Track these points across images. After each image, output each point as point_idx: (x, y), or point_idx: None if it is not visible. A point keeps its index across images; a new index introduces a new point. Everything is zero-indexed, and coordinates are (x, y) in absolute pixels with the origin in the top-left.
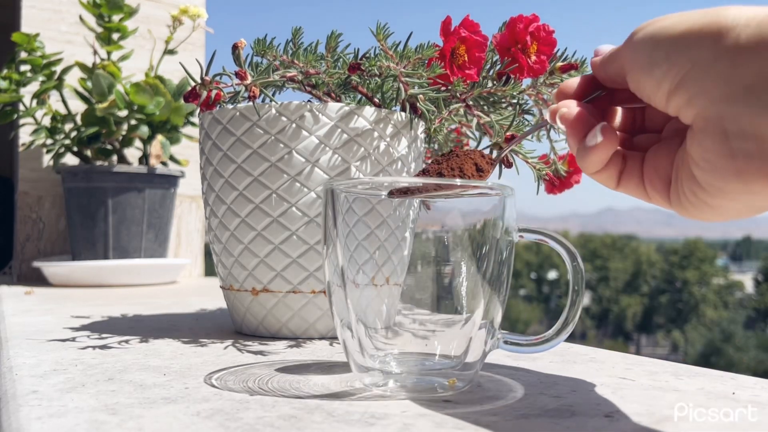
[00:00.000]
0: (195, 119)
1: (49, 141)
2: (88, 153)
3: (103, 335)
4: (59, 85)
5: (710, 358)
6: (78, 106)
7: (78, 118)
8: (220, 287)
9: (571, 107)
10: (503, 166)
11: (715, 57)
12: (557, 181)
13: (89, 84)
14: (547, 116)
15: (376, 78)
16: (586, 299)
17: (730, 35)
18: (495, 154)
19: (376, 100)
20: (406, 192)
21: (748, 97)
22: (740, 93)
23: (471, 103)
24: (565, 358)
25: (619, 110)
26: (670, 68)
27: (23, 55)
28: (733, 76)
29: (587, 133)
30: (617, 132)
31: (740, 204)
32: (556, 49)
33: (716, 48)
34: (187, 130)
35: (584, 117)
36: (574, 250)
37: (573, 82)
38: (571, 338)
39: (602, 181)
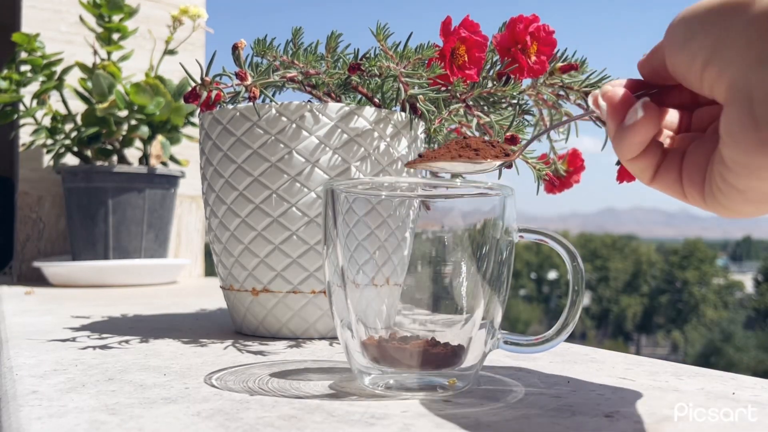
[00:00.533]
0: (195, 119)
1: (50, 141)
2: (89, 153)
3: (103, 335)
4: (59, 85)
5: (710, 358)
6: (78, 106)
7: (78, 118)
8: (220, 287)
9: (616, 86)
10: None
11: (744, 25)
12: (557, 181)
13: (89, 84)
14: (590, 102)
15: (376, 78)
16: (586, 299)
17: (758, 3)
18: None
19: (376, 100)
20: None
21: None
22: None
23: (471, 103)
24: (565, 358)
25: (671, 111)
26: (705, 38)
27: (23, 55)
28: (761, 41)
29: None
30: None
31: None
32: (556, 50)
33: (744, 16)
34: (187, 130)
35: (629, 97)
36: (574, 250)
37: (619, 83)
38: (571, 338)
39: (638, 172)
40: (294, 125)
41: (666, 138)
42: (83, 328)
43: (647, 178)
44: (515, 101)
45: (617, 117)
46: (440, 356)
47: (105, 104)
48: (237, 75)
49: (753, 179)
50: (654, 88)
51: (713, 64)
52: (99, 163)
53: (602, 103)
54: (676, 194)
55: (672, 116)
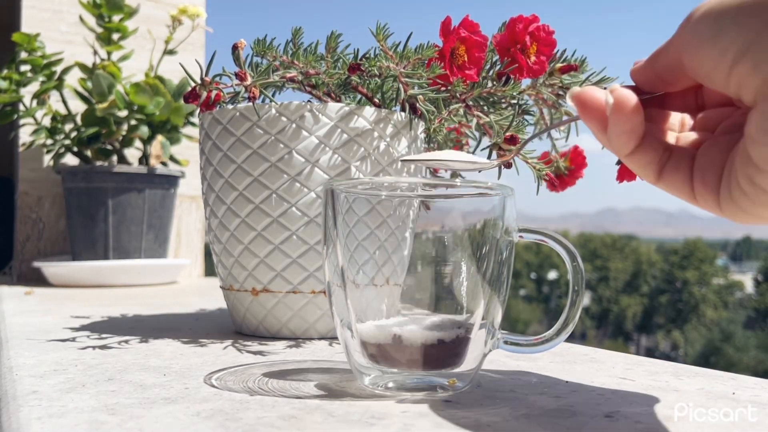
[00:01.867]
0: (195, 119)
1: (49, 141)
2: (88, 153)
3: (103, 335)
4: (59, 85)
5: (710, 358)
6: (78, 106)
7: (78, 119)
8: (220, 287)
9: (589, 89)
10: (503, 166)
11: None
12: (557, 181)
13: (89, 84)
14: (569, 101)
15: (376, 78)
16: (586, 299)
17: None
18: (494, 155)
19: (376, 100)
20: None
21: None
22: None
23: (471, 103)
24: (565, 358)
25: (673, 114)
26: (739, 32)
27: (23, 55)
28: None
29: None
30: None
31: None
32: (555, 50)
33: None
34: (187, 130)
35: (592, 95)
36: (574, 250)
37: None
38: (571, 338)
39: (639, 169)
40: (294, 125)
41: (671, 137)
42: (83, 328)
43: (652, 177)
44: (515, 101)
45: (592, 115)
46: (440, 356)
47: (105, 104)
48: (237, 75)
49: None
50: (648, 94)
51: (746, 60)
52: (99, 163)
53: (570, 103)
54: (685, 196)
55: (674, 119)
